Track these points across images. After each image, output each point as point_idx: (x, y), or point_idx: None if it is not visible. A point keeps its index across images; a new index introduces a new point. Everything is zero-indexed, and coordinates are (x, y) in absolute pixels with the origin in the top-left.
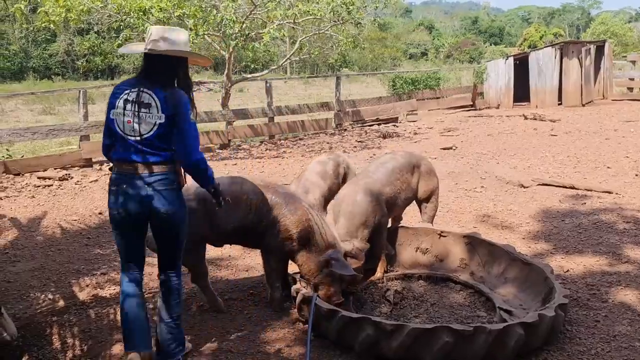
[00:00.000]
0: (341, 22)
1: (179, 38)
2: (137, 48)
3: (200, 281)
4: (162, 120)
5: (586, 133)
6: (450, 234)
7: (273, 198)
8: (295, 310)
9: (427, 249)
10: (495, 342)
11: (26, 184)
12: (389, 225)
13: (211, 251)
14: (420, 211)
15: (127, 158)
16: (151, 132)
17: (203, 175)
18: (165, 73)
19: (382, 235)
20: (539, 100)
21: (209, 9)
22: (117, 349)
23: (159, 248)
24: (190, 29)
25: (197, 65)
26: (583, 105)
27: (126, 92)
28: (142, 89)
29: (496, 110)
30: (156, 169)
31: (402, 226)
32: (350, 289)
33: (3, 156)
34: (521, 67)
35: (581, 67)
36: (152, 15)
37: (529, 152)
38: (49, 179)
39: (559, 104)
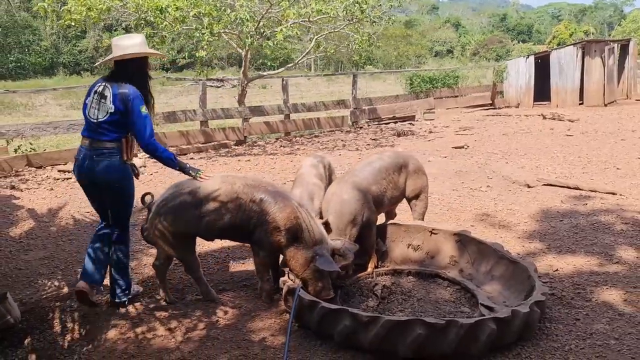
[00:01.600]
0: (355, 20)
1: (129, 43)
2: (107, 57)
3: (193, 273)
4: (112, 110)
5: (603, 134)
6: (441, 231)
7: (263, 197)
8: (282, 301)
9: (418, 245)
10: (467, 336)
11: (47, 176)
12: (384, 221)
13: (209, 244)
14: (411, 209)
15: (86, 135)
16: (104, 118)
17: (159, 158)
18: (119, 73)
19: (371, 231)
20: (560, 99)
21: (223, 8)
22: (112, 333)
23: (108, 209)
24: (206, 27)
25: (223, 62)
26: (605, 105)
27: (98, 85)
28: (107, 84)
29: (515, 110)
30: (101, 145)
31: (394, 223)
32: (338, 283)
33: (26, 149)
34: (542, 66)
35: (604, 66)
36: (169, 13)
37: (541, 152)
38: (69, 172)
39: (580, 104)
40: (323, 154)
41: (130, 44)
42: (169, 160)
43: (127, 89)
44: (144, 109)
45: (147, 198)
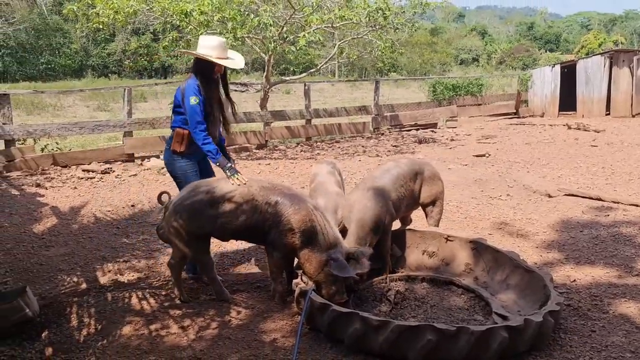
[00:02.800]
0: (378, 27)
1: (203, 43)
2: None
3: (207, 273)
4: (173, 100)
5: (629, 145)
6: (456, 238)
7: (278, 199)
8: (295, 303)
9: (433, 252)
10: (478, 343)
11: (71, 175)
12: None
13: (226, 245)
14: (426, 215)
15: None
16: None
17: (201, 147)
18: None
19: (387, 236)
20: (586, 109)
21: (247, 12)
22: (127, 329)
23: None
24: (230, 32)
25: (247, 67)
26: (633, 116)
27: None
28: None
29: (540, 119)
30: (170, 133)
31: (410, 229)
32: (352, 287)
33: (53, 149)
34: (569, 76)
35: (632, 76)
36: (194, 17)
37: (563, 162)
38: (92, 171)
39: (607, 114)
40: (333, 160)
41: (204, 44)
42: (208, 153)
43: (187, 82)
44: (193, 100)
45: (164, 197)
